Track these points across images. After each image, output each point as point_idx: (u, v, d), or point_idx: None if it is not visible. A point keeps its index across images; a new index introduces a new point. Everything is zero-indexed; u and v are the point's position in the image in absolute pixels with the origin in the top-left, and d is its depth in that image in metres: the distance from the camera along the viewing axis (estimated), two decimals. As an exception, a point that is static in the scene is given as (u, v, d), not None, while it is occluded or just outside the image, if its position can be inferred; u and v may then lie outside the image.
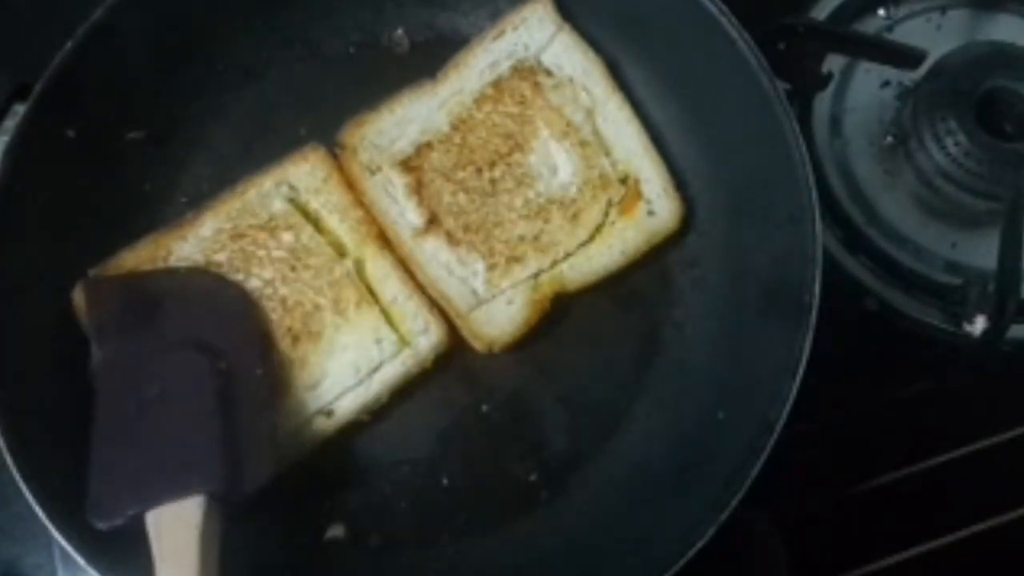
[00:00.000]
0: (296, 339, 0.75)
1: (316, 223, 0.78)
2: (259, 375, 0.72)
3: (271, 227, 0.78)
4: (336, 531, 0.75)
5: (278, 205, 0.78)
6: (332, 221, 0.78)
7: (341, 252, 0.78)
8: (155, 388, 0.69)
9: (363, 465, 0.76)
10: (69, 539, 0.66)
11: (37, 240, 0.75)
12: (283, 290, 0.76)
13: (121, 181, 0.80)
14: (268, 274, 0.77)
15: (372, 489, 0.76)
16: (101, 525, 0.65)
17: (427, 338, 0.76)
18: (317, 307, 0.76)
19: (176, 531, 0.63)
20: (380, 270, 0.77)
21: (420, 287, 0.77)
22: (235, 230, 0.77)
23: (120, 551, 0.67)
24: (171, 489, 0.64)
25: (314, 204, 0.79)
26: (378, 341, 0.75)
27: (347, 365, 0.75)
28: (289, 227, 0.78)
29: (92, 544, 0.67)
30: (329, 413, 0.74)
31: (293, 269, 0.77)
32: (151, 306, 0.73)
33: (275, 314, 0.76)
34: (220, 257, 0.77)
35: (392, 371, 0.75)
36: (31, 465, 0.68)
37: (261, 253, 0.77)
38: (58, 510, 0.67)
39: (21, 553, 0.83)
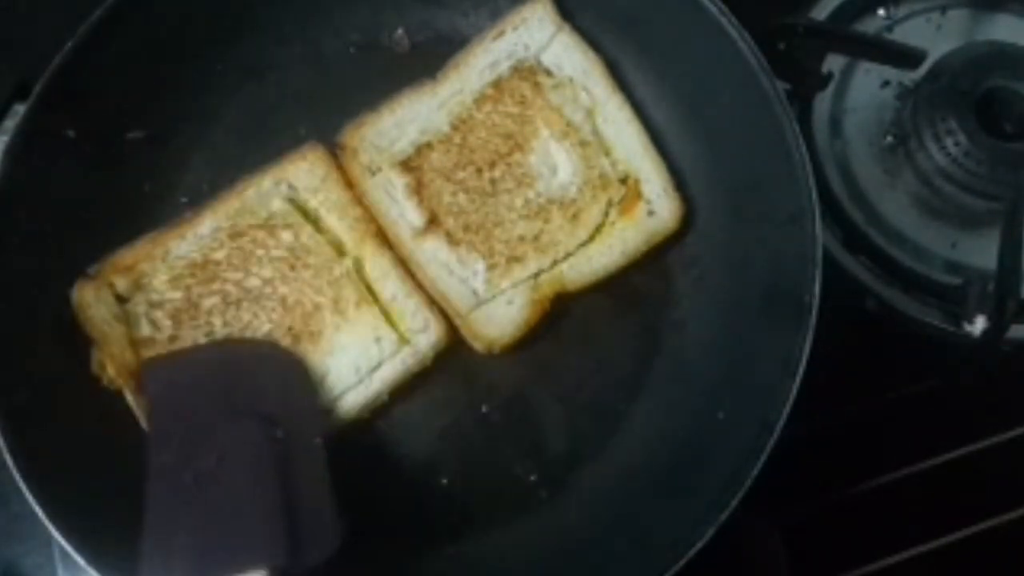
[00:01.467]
0: (296, 338, 0.75)
1: (315, 222, 0.78)
2: (318, 444, 0.70)
3: (270, 226, 0.78)
4: (335, 531, 0.75)
5: (277, 204, 0.78)
6: (331, 220, 0.78)
7: (340, 251, 0.78)
8: (212, 459, 0.66)
9: (363, 465, 0.76)
10: (69, 539, 0.66)
11: (37, 239, 0.75)
12: (282, 289, 0.76)
13: (121, 181, 0.80)
14: (267, 273, 0.77)
15: (372, 489, 0.76)
16: None
17: (427, 336, 0.76)
18: (317, 306, 0.76)
19: None
20: (379, 269, 0.77)
21: (419, 285, 0.77)
22: (234, 229, 0.77)
23: (120, 551, 0.67)
24: (232, 563, 0.62)
25: (313, 203, 0.78)
26: (378, 340, 0.75)
27: (347, 364, 0.75)
28: (288, 226, 0.78)
29: (92, 544, 0.67)
30: (328, 412, 0.74)
31: (292, 268, 0.77)
32: (204, 379, 0.72)
33: (275, 313, 0.76)
34: (218, 255, 0.77)
35: (392, 369, 0.75)
36: (31, 465, 0.68)
37: (260, 252, 0.77)
38: (58, 510, 0.67)
39: (21, 553, 0.83)
